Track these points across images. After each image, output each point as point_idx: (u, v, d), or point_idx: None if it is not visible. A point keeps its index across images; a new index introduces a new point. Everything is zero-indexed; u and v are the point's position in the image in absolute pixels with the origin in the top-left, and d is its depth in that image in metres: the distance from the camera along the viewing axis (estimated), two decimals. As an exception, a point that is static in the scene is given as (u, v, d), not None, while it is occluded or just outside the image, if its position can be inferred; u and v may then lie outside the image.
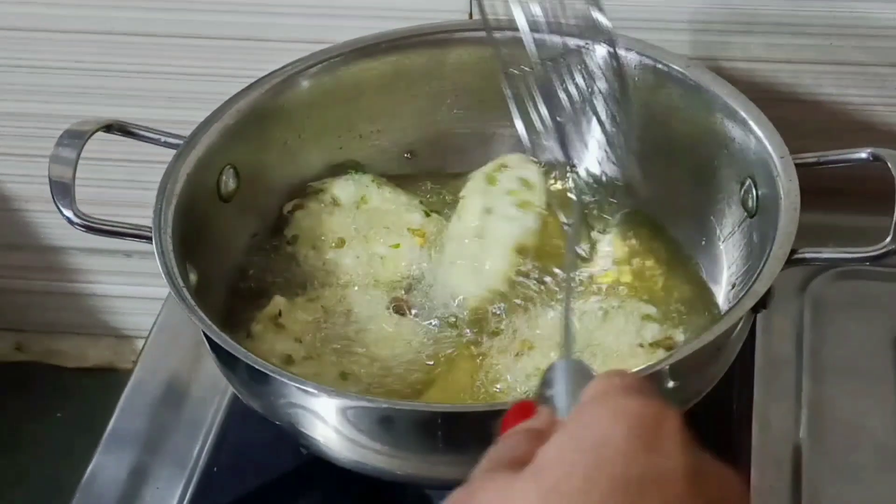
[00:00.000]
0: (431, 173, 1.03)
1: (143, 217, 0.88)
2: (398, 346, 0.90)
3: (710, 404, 0.84)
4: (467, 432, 0.77)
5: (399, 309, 0.93)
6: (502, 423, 0.58)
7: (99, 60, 1.17)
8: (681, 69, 0.95)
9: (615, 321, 0.89)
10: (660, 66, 0.96)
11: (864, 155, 0.88)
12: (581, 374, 0.58)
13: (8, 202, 1.32)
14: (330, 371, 0.88)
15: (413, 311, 0.93)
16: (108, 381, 1.41)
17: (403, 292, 0.94)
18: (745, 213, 0.91)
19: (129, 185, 1.23)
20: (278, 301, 0.92)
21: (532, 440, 0.54)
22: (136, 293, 1.37)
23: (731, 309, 0.81)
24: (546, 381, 0.59)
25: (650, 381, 0.56)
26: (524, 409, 0.58)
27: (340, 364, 0.88)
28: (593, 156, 0.93)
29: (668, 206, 0.98)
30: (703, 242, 0.96)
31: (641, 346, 0.87)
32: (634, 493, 0.50)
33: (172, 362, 1.02)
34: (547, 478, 0.51)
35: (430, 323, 0.92)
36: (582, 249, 0.82)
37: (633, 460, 0.51)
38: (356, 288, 0.94)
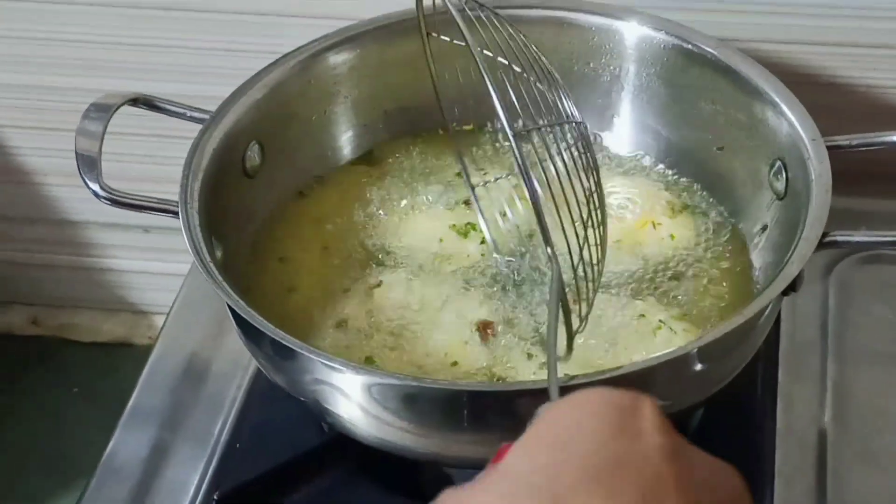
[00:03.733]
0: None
1: (164, 192, 0.88)
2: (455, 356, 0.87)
3: (735, 388, 0.84)
4: (492, 411, 0.77)
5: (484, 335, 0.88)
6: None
7: (122, 34, 1.16)
8: (711, 50, 0.95)
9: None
10: (689, 46, 0.96)
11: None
12: None
13: (26, 176, 1.31)
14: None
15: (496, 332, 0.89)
16: (124, 355, 1.41)
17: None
18: (774, 196, 0.91)
19: (150, 159, 1.23)
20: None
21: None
22: (153, 268, 1.37)
23: (761, 292, 0.81)
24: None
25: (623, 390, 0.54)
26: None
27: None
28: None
29: (696, 185, 0.98)
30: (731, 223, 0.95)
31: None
32: (607, 476, 0.49)
33: (194, 338, 1.02)
34: (510, 475, 0.50)
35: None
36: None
37: (603, 445, 0.50)
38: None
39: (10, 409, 1.39)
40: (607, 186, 0.91)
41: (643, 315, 0.87)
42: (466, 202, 0.97)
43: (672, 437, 0.52)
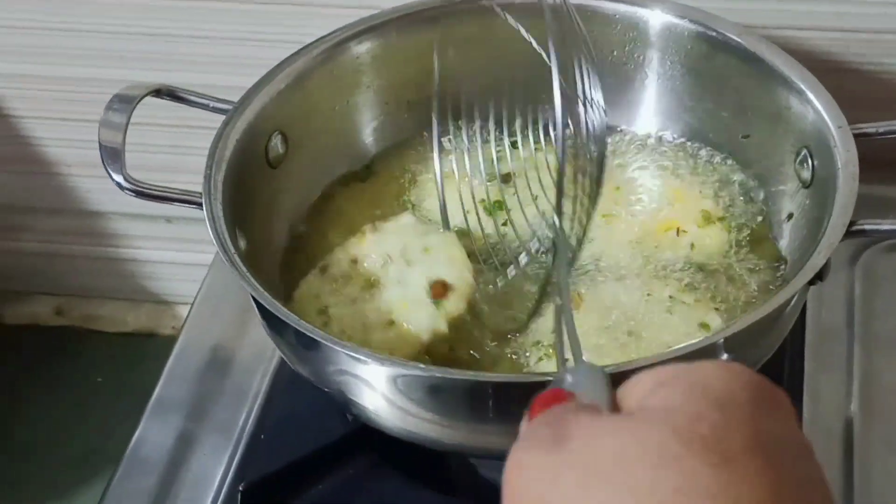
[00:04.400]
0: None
1: (189, 182, 0.88)
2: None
3: (761, 377, 0.84)
4: (518, 402, 0.77)
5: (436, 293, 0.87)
6: (532, 406, 0.55)
7: (146, 24, 1.16)
8: (735, 37, 0.94)
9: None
10: (713, 34, 0.95)
11: (923, 126, 0.87)
12: (596, 376, 0.55)
13: (50, 166, 1.32)
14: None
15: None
16: (148, 346, 1.42)
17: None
18: (800, 184, 0.90)
19: (174, 150, 1.23)
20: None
21: (573, 421, 0.51)
22: (177, 259, 1.37)
23: (787, 281, 0.80)
24: (558, 382, 0.57)
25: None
26: (557, 395, 0.55)
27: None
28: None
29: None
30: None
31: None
32: (773, 449, 0.47)
33: (218, 329, 1.02)
34: (678, 419, 0.48)
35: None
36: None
37: (765, 417, 0.48)
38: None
39: (35, 399, 1.40)
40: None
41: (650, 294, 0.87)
42: (505, 178, 0.96)
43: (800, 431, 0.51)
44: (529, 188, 0.93)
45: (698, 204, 0.94)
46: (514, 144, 0.98)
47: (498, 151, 0.98)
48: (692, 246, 0.92)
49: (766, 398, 0.50)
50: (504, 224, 0.93)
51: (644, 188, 0.96)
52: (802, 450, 0.49)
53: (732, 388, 0.49)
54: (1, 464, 1.33)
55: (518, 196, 0.93)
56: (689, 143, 0.99)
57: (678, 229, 0.93)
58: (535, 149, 0.97)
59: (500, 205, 0.94)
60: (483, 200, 0.94)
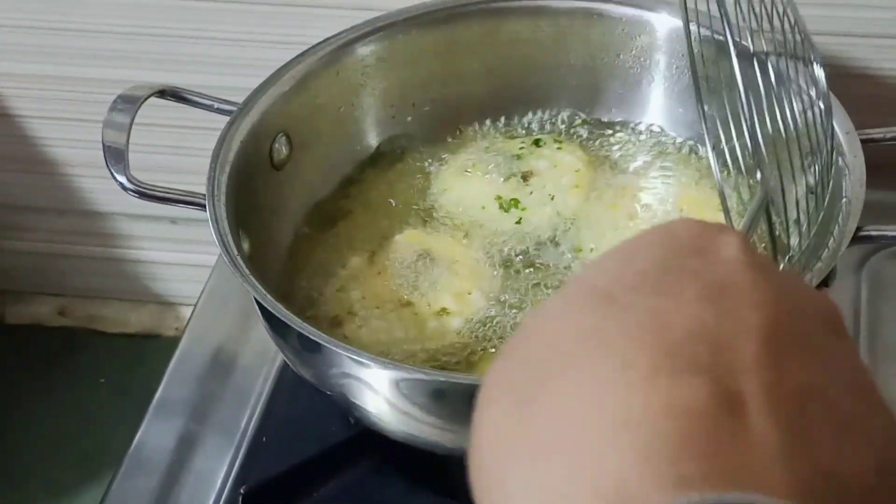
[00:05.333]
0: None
1: (192, 183, 0.87)
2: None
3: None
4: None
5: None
6: None
7: (151, 25, 1.16)
8: (742, 41, 0.93)
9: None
10: (720, 37, 0.94)
11: (931, 132, 0.87)
12: None
13: (54, 166, 1.31)
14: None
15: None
16: (151, 347, 1.41)
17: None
18: (807, 189, 0.90)
19: (178, 150, 1.22)
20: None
21: None
22: (181, 260, 1.37)
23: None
24: None
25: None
26: None
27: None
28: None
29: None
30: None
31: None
32: (670, 280, 0.46)
33: (221, 330, 1.02)
34: (577, 280, 0.49)
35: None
36: None
37: (675, 254, 0.48)
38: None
39: (38, 399, 1.39)
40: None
41: None
42: (524, 176, 0.96)
43: (756, 255, 0.48)
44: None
45: (706, 209, 0.94)
46: (536, 143, 0.98)
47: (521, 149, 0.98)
48: None
49: (694, 236, 0.49)
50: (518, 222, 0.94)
51: (651, 193, 0.96)
52: (719, 272, 0.47)
53: (656, 238, 0.49)
54: (2, 464, 1.33)
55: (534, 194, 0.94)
56: (697, 147, 0.99)
57: None
58: (558, 147, 0.97)
59: (516, 202, 0.94)
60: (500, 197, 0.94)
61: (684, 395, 0.42)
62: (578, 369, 0.44)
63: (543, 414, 0.44)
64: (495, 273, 0.90)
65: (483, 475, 0.46)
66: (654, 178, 0.97)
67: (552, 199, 0.94)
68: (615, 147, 1.00)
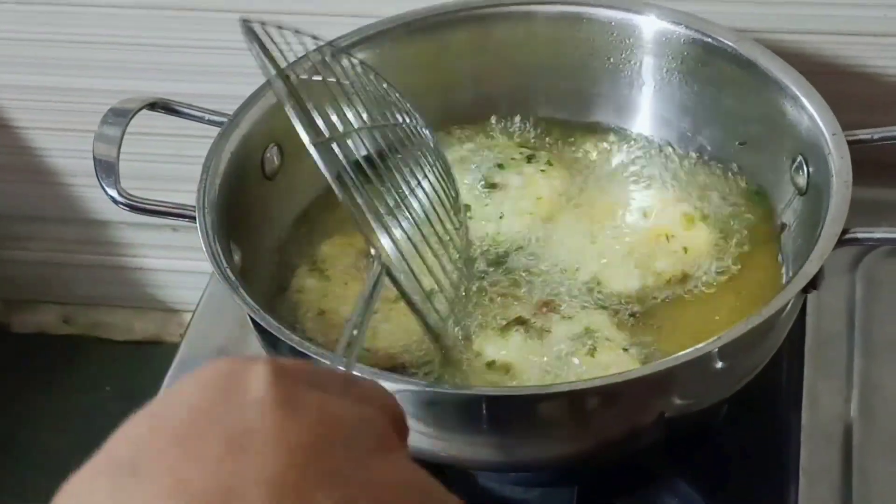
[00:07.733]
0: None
1: (188, 192, 0.88)
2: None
3: (761, 383, 0.84)
4: (511, 415, 0.77)
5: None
6: None
7: (145, 35, 1.17)
8: (731, 43, 0.94)
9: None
10: (708, 39, 0.95)
11: (920, 131, 0.87)
12: None
13: (55, 177, 1.32)
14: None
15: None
16: (155, 354, 1.42)
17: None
18: (796, 191, 0.90)
19: (173, 159, 1.23)
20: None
21: None
22: (183, 267, 1.38)
23: (781, 290, 0.80)
24: None
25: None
26: None
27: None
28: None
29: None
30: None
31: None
32: (193, 437, 0.47)
33: (219, 337, 1.02)
34: (103, 451, 0.50)
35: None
36: None
37: (197, 408, 0.48)
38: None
39: (43, 407, 1.40)
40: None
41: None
42: (491, 186, 0.95)
43: (282, 389, 0.49)
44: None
45: (688, 210, 0.94)
46: (529, 159, 0.98)
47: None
48: (685, 249, 0.91)
49: (220, 384, 0.49)
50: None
51: (637, 195, 0.96)
52: (241, 418, 0.48)
53: (182, 391, 0.50)
54: (8, 471, 1.34)
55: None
56: (685, 150, 0.99)
57: (666, 235, 0.92)
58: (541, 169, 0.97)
59: (468, 207, 0.94)
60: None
61: None
62: None
63: None
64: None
65: None
66: (635, 178, 0.97)
67: (501, 217, 0.94)
68: (596, 152, 1.00)
